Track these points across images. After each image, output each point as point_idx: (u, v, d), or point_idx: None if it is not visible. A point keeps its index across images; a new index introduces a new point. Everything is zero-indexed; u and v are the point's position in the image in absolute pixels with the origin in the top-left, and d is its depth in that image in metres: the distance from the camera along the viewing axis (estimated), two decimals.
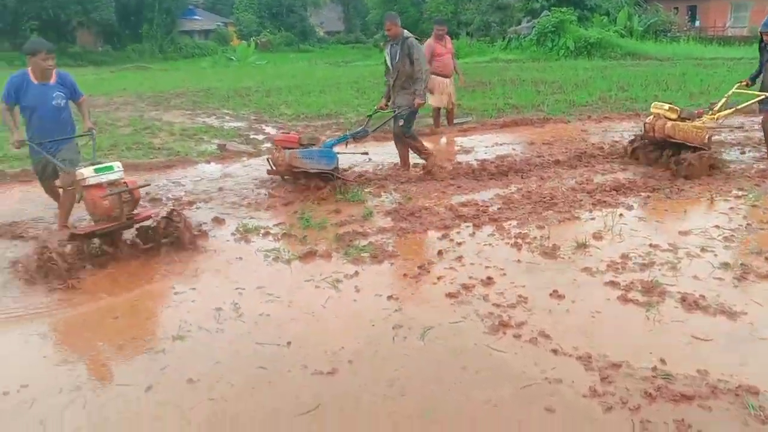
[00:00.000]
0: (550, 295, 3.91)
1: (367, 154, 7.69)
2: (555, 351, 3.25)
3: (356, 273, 4.37)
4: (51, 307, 4.01)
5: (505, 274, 4.25)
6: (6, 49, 35.50)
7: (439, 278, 4.23)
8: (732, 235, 4.90)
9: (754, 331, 3.42)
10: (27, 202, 6.40)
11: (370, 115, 7.25)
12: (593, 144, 8.53)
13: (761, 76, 7.12)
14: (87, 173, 4.53)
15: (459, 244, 4.88)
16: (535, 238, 4.92)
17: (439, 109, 10.02)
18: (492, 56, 27.02)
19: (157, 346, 3.46)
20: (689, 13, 35.44)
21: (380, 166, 7.55)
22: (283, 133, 7.05)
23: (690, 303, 3.73)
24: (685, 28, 31.69)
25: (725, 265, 4.30)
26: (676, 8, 35.04)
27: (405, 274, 4.32)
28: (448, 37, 9.87)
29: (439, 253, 4.67)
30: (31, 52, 5.08)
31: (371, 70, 22.94)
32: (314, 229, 5.29)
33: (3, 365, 3.37)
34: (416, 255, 4.69)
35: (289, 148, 6.37)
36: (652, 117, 7.03)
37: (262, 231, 5.29)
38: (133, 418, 2.84)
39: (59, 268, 4.25)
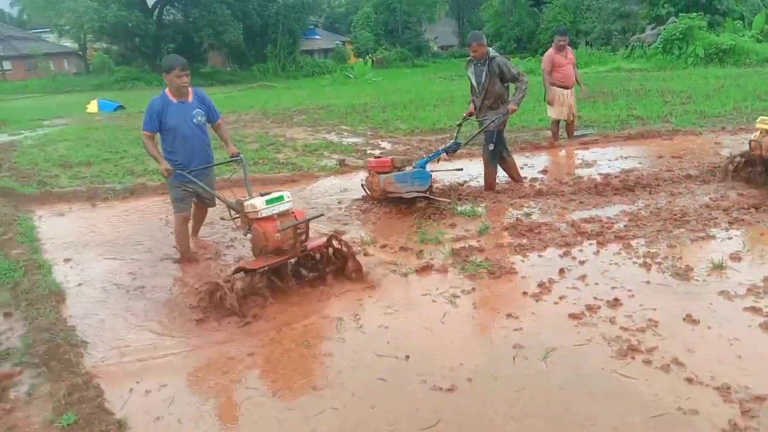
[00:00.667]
0: (684, 319, 3.67)
1: (461, 170, 7.50)
2: (689, 380, 3.04)
3: (473, 289, 4.33)
4: (226, 341, 3.83)
5: (633, 296, 4.04)
6: (147, 71, 38.66)
7: (561, 298, 4.10)
8: None
9: None
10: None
11: (460, 124, 7.19)
12: (728, 158, 7.94)
13: None
14: (259, 205, 4.27)
15: (582, 262, 4.70)
16: (666, 257, 4.64)
17: (558, 121, 9.76)
18: (613, 65, 25.93)
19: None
20: None
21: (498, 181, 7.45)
22: (375, 158, 6.87)
23: None
24: None
25: None
26: None
27: (524, 292, 4.22)
28: (569, 48, 9.62)
29: (561, 271, 4.53)
30: (166, 68, 5.05)
31: None
32: (430, 243, 5.31)
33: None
34: (536, 272, 4.57)
35: (384, 172, 6.25)
36: (759, 133, 6.30)
37: (379, 244, 5.38)
38: (260, 421, 2.98)
39: (234, 306, 4.03)
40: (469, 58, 6.93)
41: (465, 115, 7.20)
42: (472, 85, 6.88)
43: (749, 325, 3.59)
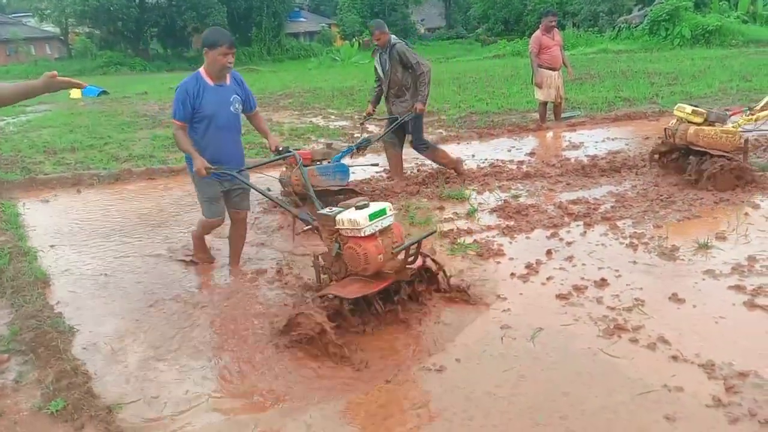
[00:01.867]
0: (669, 298, 3.71)
1: (377, 165, 7.38)
2: (675, 357, 3.08)
3: (461, 271, 4.34)
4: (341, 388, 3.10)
5: (620, 276, 4.07)
6: (130, 55, 38.19)
7: (548, 279, 4.12)
8: None
9: None
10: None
11: (362, 123, 7.25)
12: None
13: None
14: (362, 222, 3.38)
15: (569, 243, 4.73)
16: (653, 238, 4.68)
17: (545, 103, 9.77)
18: (600, 47, 25.96)
19: None
20: None
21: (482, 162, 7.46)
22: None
23: None
24: None
25: None
26: None
27: (512, 274, 4.25)
28: (557, 30, 9.60)
29: (548, 252, 4.55)
30: (209, 43, 4.10)
31: (473, 66, 22.75)
32: (418, 225, 5.31)
33: None
34: (523, 254, 4.59)
35: (305, 166, 5.37)
36: (675, 121, 6.12)
37: None
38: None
39: (341, 353, 3.24)
40: (374, 46, 6.73)
41: (365, 114, 6.98)
42: (377, 74, 6.69)
43: (734, 303, 3.63)
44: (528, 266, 4.33)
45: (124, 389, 3.14)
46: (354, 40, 40.44)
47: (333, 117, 12.55)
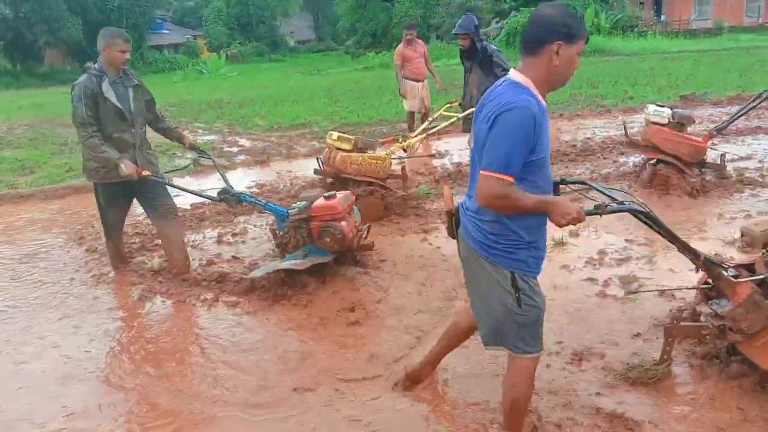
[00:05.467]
0: None
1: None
2: None
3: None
4: None
5: None
6: None
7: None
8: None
9: None
10: None
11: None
12: (566, 142, 8.61)
13: (464, 89, 6.64)
14: None
15: (438, 247, 4.92)
16: None
17: (413, 113, 10.04)
18: None
19: None
20: (655, 7, 36.05)
21: None
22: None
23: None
24: (651, 23, 32.18)
25: None
26: (642, 3, 35.63)
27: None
28: (419, 41, 9.90)
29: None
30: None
31: (344, 78, 22.99)
32: None
33: None
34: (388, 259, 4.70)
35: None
36: (328, 149, 5.74)
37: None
38: None
39: None
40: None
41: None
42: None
43: (587, 294, 3.93)
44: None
45: None
46: (222, 51, 39.56)
47: (201, 131, 12.18)
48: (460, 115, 6.42)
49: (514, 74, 2.28)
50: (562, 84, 2.32)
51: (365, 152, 5.59)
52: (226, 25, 47.30)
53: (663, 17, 34.98)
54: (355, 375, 3.23)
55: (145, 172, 4.31)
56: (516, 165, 2.15)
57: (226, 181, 4.53)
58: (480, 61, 6.36)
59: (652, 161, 6.09)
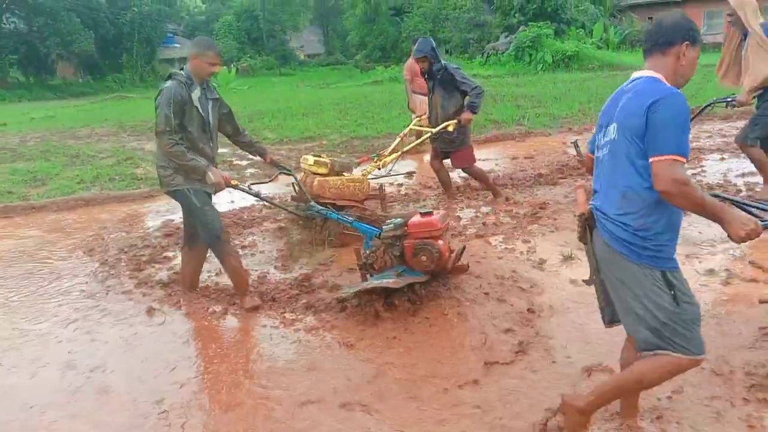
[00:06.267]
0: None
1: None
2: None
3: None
4: None
5: None
6: None
7: None
8: None
9: None
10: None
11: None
12: (575, 155, 8.58)
13: (428, 109, 6.64)
14: None
15: None
16: (522, 252, 4.95)
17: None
18: (471, 72, 27.04)
19: None
20: None
21: None
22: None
23: None
24: None
25: None
26: (650, 18, 35.62)
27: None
28: None
29: None
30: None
31: (353, 92, 23.09)
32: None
33: None
34: None
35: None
36: (303, 174, 5.58)
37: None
38: None
39: None
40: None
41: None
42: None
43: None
44: None
45: None
46: (232, 65, 39.85)
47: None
48: (434, 130, 6.31)
49: (645, 72, 2.45)
50: (683, 83, 2.46)
51: (342, 175, 5.45)
52: (237, 39, 47.69)
53: None
54: None
55: (234, 182, 4.18)
56: (687, 148, 2.24)
57: (307, 198, 4.38)
58: (440, 81, 6.38)
59: None
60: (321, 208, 4.21)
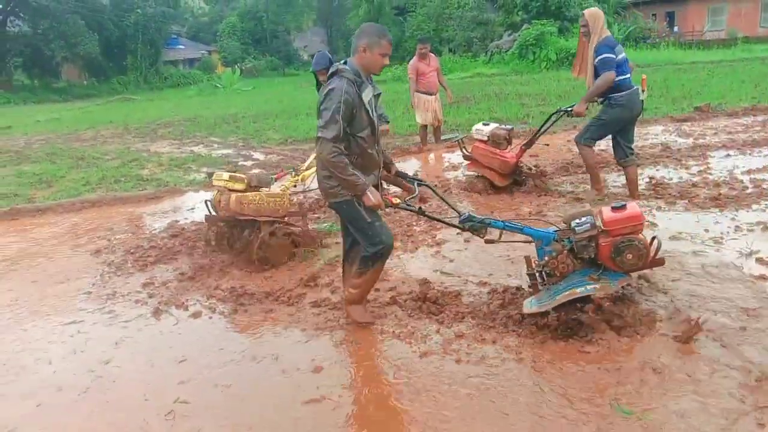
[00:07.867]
0: None
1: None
2: None
3: None
4: None
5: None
6: None
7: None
8: None
9: None
10: None
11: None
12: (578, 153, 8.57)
13: None
14: None
15: (451, 261, 4.92)
16: None
17: (425, 126, 10.09)
18: (475, 71, 27.23)
19: None
20: (667, 19, 35.96)
21: None
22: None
23: None
24: (663, 34, 32.10)
25: None
26: (654, 15, 35.55)
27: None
28: (432, 55, 9.97)
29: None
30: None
31: None
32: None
33: None
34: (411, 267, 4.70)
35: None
36: (217, 192, 5.27)
37: None
38: None
39: None
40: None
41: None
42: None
43: None
44: (422, 282, 4.43)
45: None
46: (236, 66, 39.94)
47: (216, 145, 12.30)
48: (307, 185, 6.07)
49: None
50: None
51: (260, 190, 5.17)
52: (240, 40, 47.83)
53: (676, 28, 34.89)
54: None
55: (395, 200, 3.65)
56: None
57: (455, 208, 4.04)
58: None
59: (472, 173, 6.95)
60: (483, 217, 3.83)
